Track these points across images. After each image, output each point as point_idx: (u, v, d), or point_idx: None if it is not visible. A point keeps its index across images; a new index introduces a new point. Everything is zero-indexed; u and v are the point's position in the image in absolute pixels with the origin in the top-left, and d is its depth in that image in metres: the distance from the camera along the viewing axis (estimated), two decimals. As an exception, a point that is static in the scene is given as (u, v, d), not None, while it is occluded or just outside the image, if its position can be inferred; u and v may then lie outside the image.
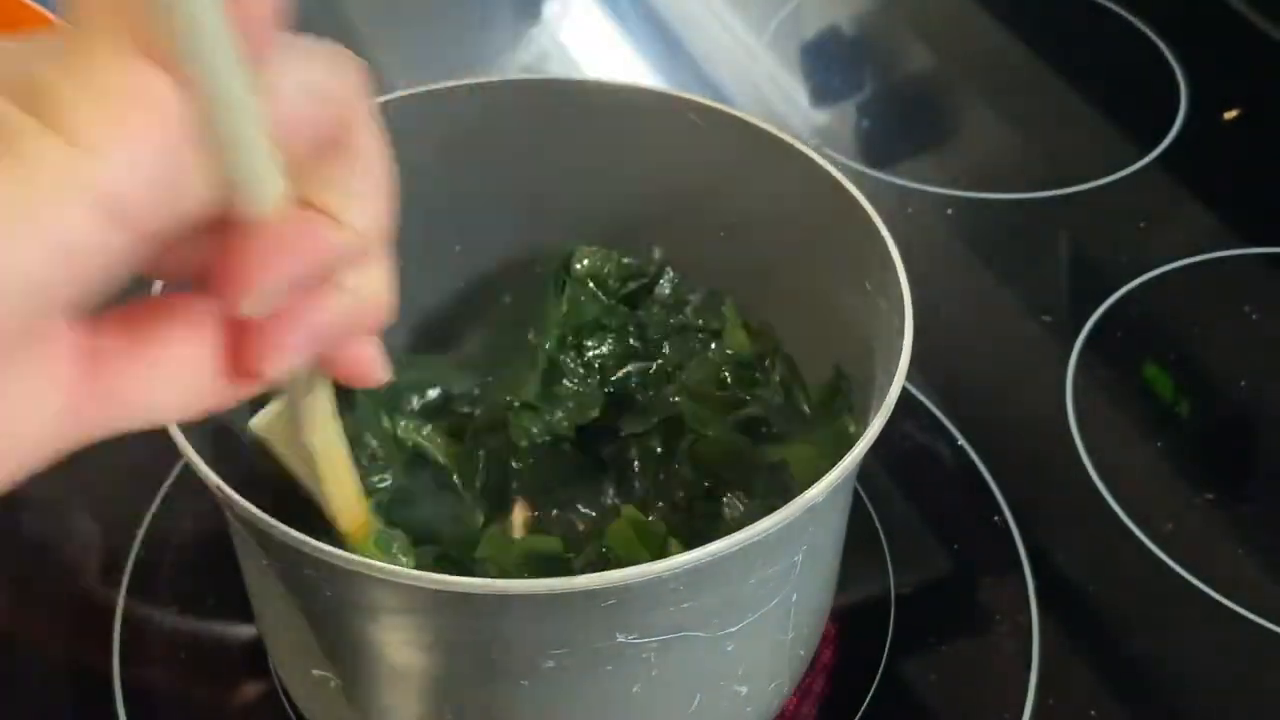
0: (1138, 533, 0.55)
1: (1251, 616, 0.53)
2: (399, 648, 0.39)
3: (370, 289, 0.26)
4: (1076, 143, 0.76)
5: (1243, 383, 0.63)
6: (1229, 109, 0.77)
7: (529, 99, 0.49)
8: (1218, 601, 0.53)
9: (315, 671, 0.41)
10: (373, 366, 0.28)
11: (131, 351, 0.24)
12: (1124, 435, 0.60)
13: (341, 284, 0.25)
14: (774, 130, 0.46)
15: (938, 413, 0.60)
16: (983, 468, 0.58)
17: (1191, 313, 0.66)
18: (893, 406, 0.37)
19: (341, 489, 0.35)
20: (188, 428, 0.36)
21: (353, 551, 0.34)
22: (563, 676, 0.37)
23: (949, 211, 0.71)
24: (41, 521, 0.56)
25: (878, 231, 0.42)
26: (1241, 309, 0.66)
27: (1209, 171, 0.73)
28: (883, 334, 0.41)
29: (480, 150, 0.49)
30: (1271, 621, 0.53)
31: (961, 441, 0.59)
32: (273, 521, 0.33)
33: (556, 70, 0.80)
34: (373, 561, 0.33)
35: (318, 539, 0.33)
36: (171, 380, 0.25)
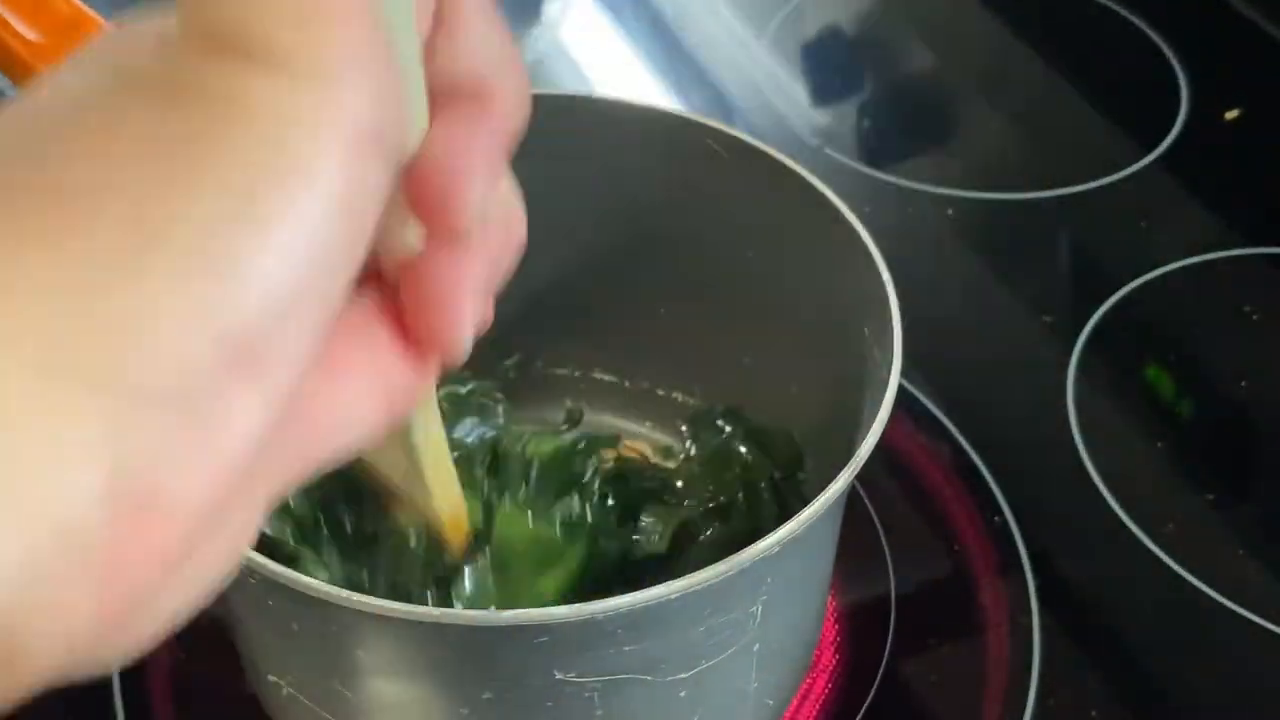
0: (1138, 533, 0.55)
1: (1251, 616, 0.53)
2: (337, 664, 0.38)
3: (509, 207, 0.24)
4: (1076, 143, 0.76)
5: (1243, 383, 0.63)
6: (1229, 109, 0.77)
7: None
8: (1218, 601, 0.53)
9: (270, 677, 0.41)
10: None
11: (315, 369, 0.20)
12: (1124, 435, 0.60)
13: (486, 215, 0.22)
14: (776, 153, 0.46)
15: (938, 413, 0.60)
16: (983, 468, 0.58)
17: (1192, 313, 0.66)
18: (861, 463, 0.36)
19: (447, 492, 0.33)
20: None
21: (455, 557, 0.34)
22: (502, 710, 0.37)
23: (949, 211, 0.71)
24: None
25: (880, 278, 0.41)
26: (1242, 309, 0.66)
27: (1209, 171, 0.73)
28: (871, 383, 0.41)
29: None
30: (1271, 621, 0.52)
31: (962, 441, 0.59)
32: None
33: (556, 71, 0.80)
34: (298, 576, 0.33)
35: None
36: (357, 389, 0.21)
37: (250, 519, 0.19)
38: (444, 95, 0.21)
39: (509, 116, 0.22)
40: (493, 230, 0.23)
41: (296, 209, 0.17)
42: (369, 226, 0.18)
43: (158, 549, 0.16)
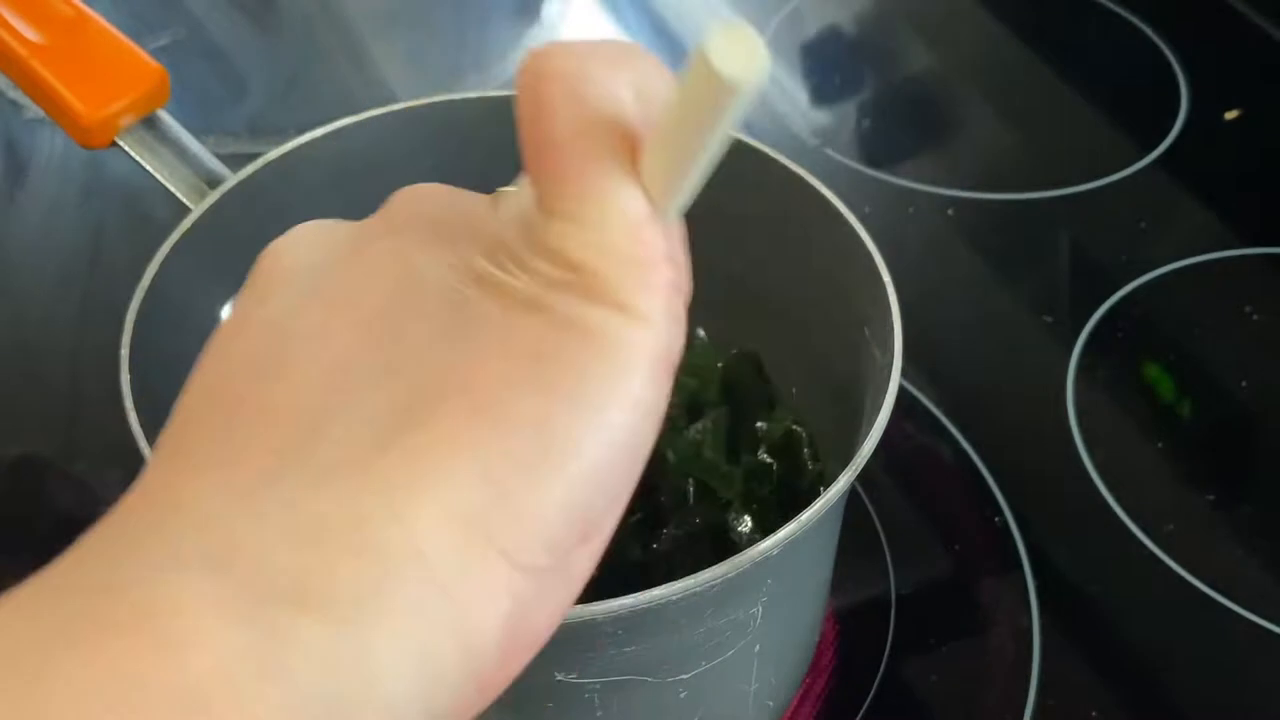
0: (1138, 533, 0.55)
1: (1251, 616, 0.53)
2: None
3: None
4: (1076, 143, 0.76)
5: (1243, 383, 0.63)
6: (1229, 109, 0.77)
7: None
8: (1218, 601, 0.53)
9: None
10: None
11: None
12: (1125, 436, 0.60)
13: None
14: (776, 153, 0.46)
15: (938, 413, 0.60)
16: (983, 468, 0.58)
17: (1192, 313, 0.66)
18: (863, 464, 0.36)
19: None
20: (149, 428, 0.36)
21: None
22: (501, 710, 0.37)
23: (949, 211, 0.71)
24: (69, 497, 0.56)
25: (880, 278, 0.41)
26: (1242, 309, 0.66)
27: (1209, 171, 0.73)
28: (871, 384, 0.41)
29: (479, 166, 0.49)
30: (1271, 621, 0.52)
31: (962, 442, 0.59)
32: None
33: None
34: None
35: None
36: None
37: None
38: None
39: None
40: None
41: (625, 418, 0.21)
42: (662, 418, 0.23)
43: (519, 667, 0.22)
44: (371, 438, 0.20)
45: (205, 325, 0.45)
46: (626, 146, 0.22)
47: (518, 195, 0.23)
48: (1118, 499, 0.57)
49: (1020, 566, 0.54)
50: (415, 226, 0.24)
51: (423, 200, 0.25)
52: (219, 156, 0.46)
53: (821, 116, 0.79)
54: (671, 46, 0.83)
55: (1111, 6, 0.84)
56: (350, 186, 0.46)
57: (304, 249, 0.25)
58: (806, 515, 0.34)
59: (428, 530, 0.20)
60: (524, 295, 0.21)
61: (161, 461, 0.22)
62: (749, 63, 0.20)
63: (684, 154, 0.21)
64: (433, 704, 0.20)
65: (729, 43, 0.20)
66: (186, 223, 0.43)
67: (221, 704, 0.17)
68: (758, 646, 0.39)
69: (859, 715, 0.50)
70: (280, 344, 0.22)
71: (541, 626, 0.22)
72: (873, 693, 0.50)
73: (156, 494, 0.21)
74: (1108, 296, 0.65)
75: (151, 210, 0.62)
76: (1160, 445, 0.60)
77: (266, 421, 0.21)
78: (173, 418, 0.22)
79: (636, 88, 0.22)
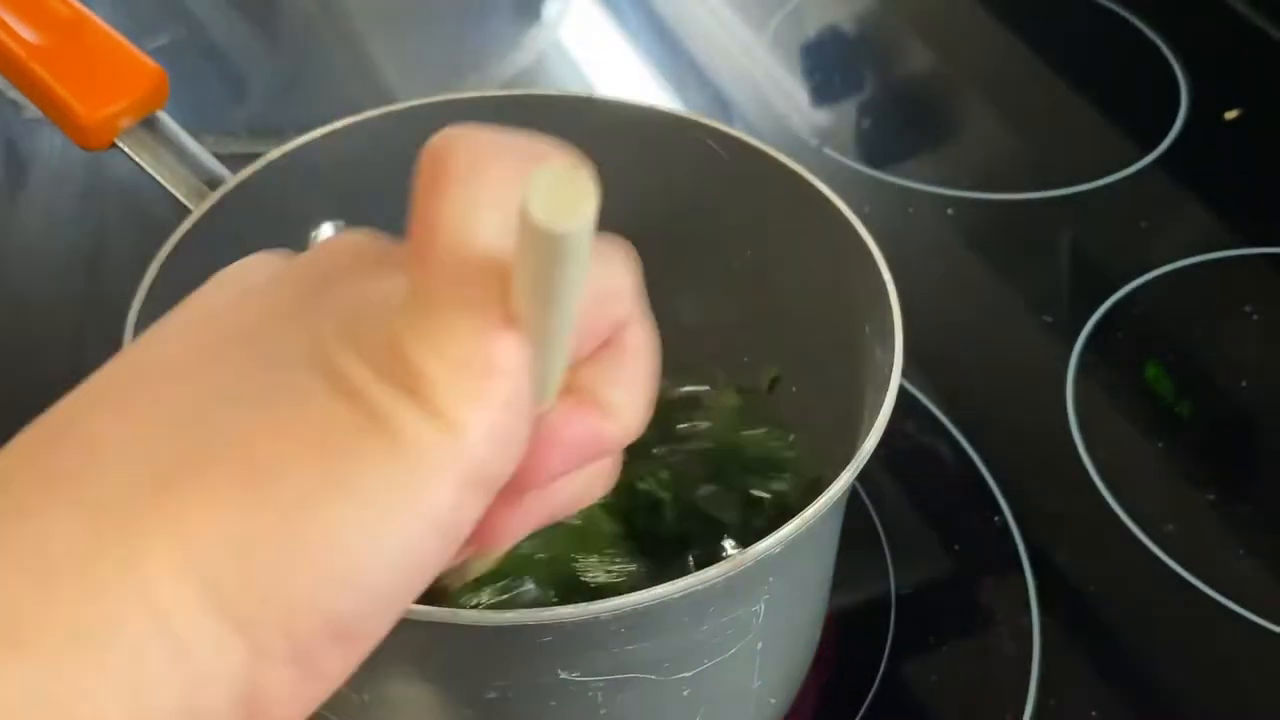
0: (1138, 533, 0.55)
1: (1251, 616, 0.53)
2: None
3: (604, 471, 0.26)
4: (1076, 143, 0.76)
5: (1243, 383, 0.63)
6: (1229, 109, 0.77)
7: (532, 116, 0.48)
8: (1218, 601, 0.53)
9: None
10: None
11: None
12: (1125, 435, 0.60)
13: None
14: (776, 153, 0.46)
15: (938, 413, 0.60)
16: (983, 468, 0.58)
17: (1192, 313, 0.66)
18: (863, 463, 0.36)
19: None
20: None
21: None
22: (506, 709, 0.37)
23: (949, 211, 0.71)
24: None
25: (881, 278, 0.41)
26: (1242, 309, 0.66)
27: (1209, 171, 0.73)
28: (871, 383, 0.41)
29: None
30: (1271, 621, 0.52)
31: (962, 442, 0.59)
32: None
33: (556, 71, 0.80)
34: None
35: None
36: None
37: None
38: (579, 392, 0.24)
39: (619, 440, 0.24)
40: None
41: (406, 528, 0.20)
42: (460, 541, 0.22)
43: None
44: (150, 481, 0.20)
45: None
46: (500, 258, 0.21)
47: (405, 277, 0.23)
48: (1118, 499, 0.57)
49: (1020, 566, 0.54)
50: (307, 285, 0.23)
51: (332, 257, 0.24)
52: (218, 157, 0.46)
53: (821, 116, 0.79)
54: (672, 46, 0.83)
55: (1111, 6, 0.84)
56: (350, 187, 0.47)
57: (234, 279, 0.25)
58: (808, 513, 0.35)
59: (166, 585, 0.19)
60: (351, 382, 0.21)
61: None
62: (570, 207, 0.19)
63: (537, 289, 0.21)
64: None
65: (554, 187, 0.19)
66: (187, 224, 0.43)
67: None
68: (760, 644, 0.39)
69: (859, 715, 0.50)
70: (131, 378, 0.23)
71: (279, 715, 0.21)
72: (873, 693, 0.50)
73: None
74: (1108, 296, 0.65)
75: (151, 211, 0.62)
76: (1160, 445, 0.60)
77: (72, 450, 0.21)
78: (20, 432, 0.22)
79: None
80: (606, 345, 0.24)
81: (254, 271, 0.25)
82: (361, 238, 0.25)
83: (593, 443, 0.24)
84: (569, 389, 0.24)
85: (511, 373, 0.21)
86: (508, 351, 0.21)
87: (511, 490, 0.23)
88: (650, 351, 0.25)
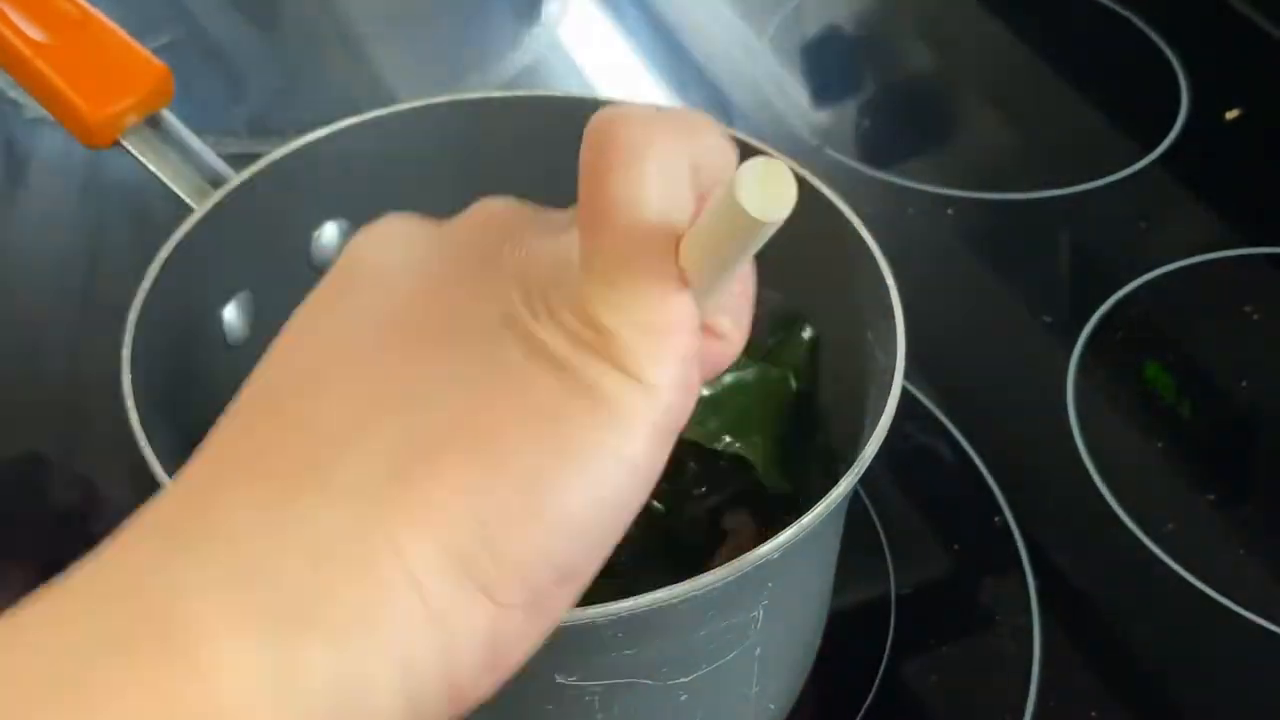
0: (1138, 533, 0.55)
1: (1251, 616, 0.53)
2: None
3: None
4: (1076, 143, 0.76)
5: (1243, 383, 0.63)
6: (1229, 109, 0.77)
7: (533, 116, 0.48)
8: (1218, 601, 0.53)
9: None
10: None
11: None
12: (1125, 435, 0.60)
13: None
14: (776, 153, 0.45)
15: (938, 413, 0.60)
16: (983, 468, 0.58)
17: (1192, 313, 0.66)
18: (865, 467, 0.36)
19: None
20: (151, 428, 0.36)
21: None
22: (501, 713, 0.37)
23: (949, 211, 0.71)
24: (70, 496, 0.56)
25: (884, 280, 0.41)
26: (1242, 309, 0.66)
27: (1209, 171, 0.73)
28: (874, 386, 0.40)
29: (481, 167, 0.49)
30: (1271, 621, 0.52)
31: (962, 442, 0.59)
32: None
33: (557, 71, 0.80)
34: None
35: None
36: None
37: None
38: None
39: (730, 360, 0.27)
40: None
41: (615, 479, 0.23)
42: (655, 480, 0.24)
43: (492, 688, 0.24)
44: (385, 466, 0.22)
45: (207, 325, 0.45)
46: (672, 224, 0.23)
47: (568, 239, 0.25)
48: (1118, 499, 0.57)
49: (1020, 566, 0.54)
50: (476, 253, 0.25)
51: (489, 224, 0.26)
52: (218, 156, 0.46)
53: (821, 116, 0.79)
54: (672, 46, 0.83)
55: (1111, 6, 0.84)
56: (352, 187, 0.46)
57: (388, 248, 0.27)
58: (808, 519, 0.34)
59: (422, 563, 0.22)
60: (548, 349, 0.23)
61: (202, 465, 0.23)
62: (777, 198, 0.22)
63: (716, 254, 0.23)
64: (413, 717, 0.22)
65: (761, 176, 0.22)
66: (190, 222, 0.43)
67: None
68: (759, 650, 0.39)
69: (859, 715, 0.50)
70: (330, 360, 0.24)
71: (515, 654, 0.23)
72: (873, 693, 0.50)
73: (193, 501, 0.23)
74: (1108, 296, 0.65)
75: (152, 210, 0.62)
76: (1160, 445, 0.60)
77: (299, 437, 0.23)
78: (223, 418, 0.24)
79: (696, 162, 0.24)
80: (723, 282, 0.26)
81: (399, 241, 0.27)
82: (506, 203, 0.27)
83: (715, 366, 0.27)
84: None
85: (689, 329, 0.24)
86: (685, 310, 0.24)
87: None
88: (748, 283, 0.27)
